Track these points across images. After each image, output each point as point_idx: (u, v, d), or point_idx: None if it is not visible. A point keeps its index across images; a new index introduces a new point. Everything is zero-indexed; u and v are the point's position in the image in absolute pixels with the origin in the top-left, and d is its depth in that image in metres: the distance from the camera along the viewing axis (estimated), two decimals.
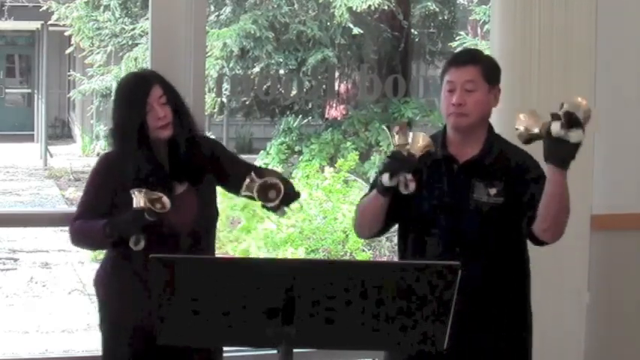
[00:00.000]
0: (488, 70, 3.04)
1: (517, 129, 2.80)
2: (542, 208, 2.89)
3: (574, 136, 2.70)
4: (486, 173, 3.01)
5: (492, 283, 2.99)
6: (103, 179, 3.22)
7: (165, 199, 3.02)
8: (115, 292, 3.23)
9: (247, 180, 3.04)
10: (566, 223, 2.95)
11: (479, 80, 3.00)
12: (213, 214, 3.30)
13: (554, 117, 2.72)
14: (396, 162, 2.86)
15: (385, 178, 2.86)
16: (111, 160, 3.23)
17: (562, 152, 2.73)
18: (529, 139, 2.80)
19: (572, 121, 2.70)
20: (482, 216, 2.99)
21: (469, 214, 2.99)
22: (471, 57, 3.10)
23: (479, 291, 2.94)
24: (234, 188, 3.22)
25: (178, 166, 3.19)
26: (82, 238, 3.21)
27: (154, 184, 3.11)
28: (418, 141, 2.88)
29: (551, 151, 2.74)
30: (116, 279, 3.22)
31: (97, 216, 3.15)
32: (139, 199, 3.02)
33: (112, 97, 3.26)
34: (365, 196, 3.17)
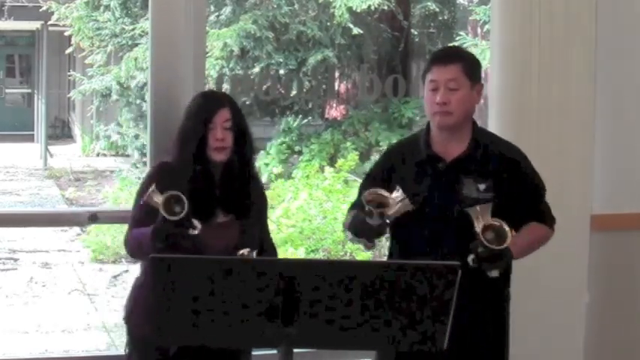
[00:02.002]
0: (470, 68, 3.05)
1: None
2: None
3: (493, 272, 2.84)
4: (475, 169, 3.02)
5: (474, 287, 2.94)
6: (155, 184, 3.14)
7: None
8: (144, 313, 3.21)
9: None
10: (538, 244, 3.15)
11: (461, 78, 3.01)
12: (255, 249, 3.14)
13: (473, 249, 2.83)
14: (360, 229, 2.91)
15: (350, 235, 3.00)
16: (165, 168, 3.20)
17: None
18: None
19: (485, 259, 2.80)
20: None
21: (458, 212, 2.98)
22: (453, 55, 3.11)
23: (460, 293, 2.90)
24: None
25: (229, 195, 3.17)
26: (137, 248, 3.14)
27: (201, 201, 3.08)
28: (395, 207, 2.86)
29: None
30: (146, 299, 3.19)
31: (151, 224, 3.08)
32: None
33: (185, 108, 3.24)
34: (350, 208, 3.18)
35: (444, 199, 3.01)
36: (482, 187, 2.99)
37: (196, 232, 2.98)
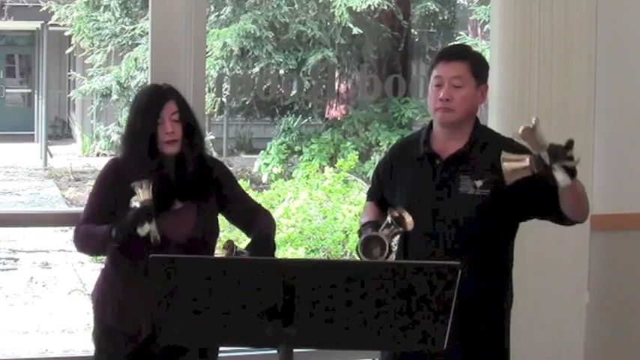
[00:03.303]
0: (477, 67, 3.05)
1: (506, 169, 2.79)
2: (565, 205, 2.90)
3: (571, 164, 2.72)
4: (472, 166, 3.01)
5: (472, 285, 2.92)
6: (109, 183, 3.23)
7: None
8: (107, 299, 3.26)
9: None
10: (588, 202, 2.98)
11: (466, 76, 3.01)
12: (211, 231, 3.30)
13: (541, 163, 2.72)
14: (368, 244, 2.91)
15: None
16: (119, 165, 3.24)
17: (567, 177, 2.74)
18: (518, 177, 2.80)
19: (562, 158, 2.71)
20: (468, 210, 2.98)
21: (454, 209, 2.99)
22: (460, 53, 3.11)
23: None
24: (232, 219, 3.38)
25: (184, 183, 3.20)
26: (87, 242, 3.22)
27: (158, 195, 3.11)
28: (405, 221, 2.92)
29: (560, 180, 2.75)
30: (108, 287, 3.26)
31: (103, 221, 3.16)
32: (144, 192, 3.04)
33: (130, 106, 3.30)
34: (367, 198, 3.24)
35: (441, 194, 3.01)
36: (479, 183, 2.99)
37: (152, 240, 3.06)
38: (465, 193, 2.99)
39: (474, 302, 2.98)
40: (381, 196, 3.22)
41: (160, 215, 3.11)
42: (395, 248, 3.03)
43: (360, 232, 3.04)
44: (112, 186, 3.21)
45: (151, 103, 3.18)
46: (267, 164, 11.43)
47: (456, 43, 9.23)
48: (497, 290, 3.09)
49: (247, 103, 11.32)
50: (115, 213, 3.15)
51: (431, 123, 3.11)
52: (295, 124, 11.92)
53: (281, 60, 11.29)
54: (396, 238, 3.02)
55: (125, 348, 3.19)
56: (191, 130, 3.22)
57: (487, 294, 3.05)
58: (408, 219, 2.90)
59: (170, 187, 3.18)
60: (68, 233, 11.07)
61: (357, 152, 10.74)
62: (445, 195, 3.01)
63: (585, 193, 2.93)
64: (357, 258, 2.94)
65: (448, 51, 3.19)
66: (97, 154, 15.25)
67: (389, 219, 2.90)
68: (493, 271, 3.06)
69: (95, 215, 3.20)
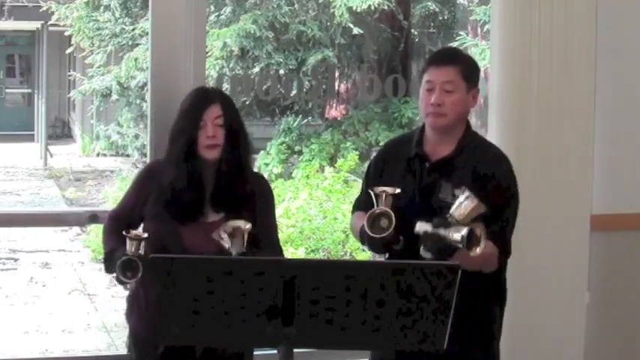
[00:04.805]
0: (468, 71, 3.04)
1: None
2: None
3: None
4: (455, 174, 3.00)
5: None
6: (143, 182, 3.19)
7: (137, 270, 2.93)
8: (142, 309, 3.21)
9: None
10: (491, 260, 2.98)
11: (458, 81, 3.00)
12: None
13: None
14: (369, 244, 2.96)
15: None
16: (156, 165, 3.22)
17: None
18: None
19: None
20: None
21: (432, 214, 2.94)
22: (451, 57, 3.10)
23: None
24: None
25: (220, 192, 3.10)
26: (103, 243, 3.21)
27: (186, 200, 3.06)
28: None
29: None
30: (143, 299, 3.18)
31: (128, 218, 3.14)
32: (129, 247, 2.95)
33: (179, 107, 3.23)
34: (354, 207, 3.22)
35: (424, 198, 3.01)
36: (458, 192, 2.96)
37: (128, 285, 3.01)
38: (444, 200, 2.96)
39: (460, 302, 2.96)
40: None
41: (187, 226, 3.04)
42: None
43: (362, 236, 3.02)
44: (143, 185, 3.18)
45: (194, 104, 3.10)
46: (267, 164, 11.42)
47: (448, 45, 9.21)
48: (479, 291, 3.05)
49: (247, 103, 11.31)
50: (142, 213, 3.13)
51: (423, 125, 3.11)
52: (295, 124, 11.91)
53: (281, 60, 11.29)
54: None
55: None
56: (236, 137, 3.11)
57: (467, 307, 3.01)
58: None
59: (200, 195, 3.08)
60: (68, 233, 11.08)
61: (357, 152, 10.74)
62: (426, 199, 3.00)
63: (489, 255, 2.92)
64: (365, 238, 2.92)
65: (439, 55, 3.18)
66: (97, 154, 15.24)
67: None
68: (473, 286, 3.01)
69: (122, 211, 3.19)
